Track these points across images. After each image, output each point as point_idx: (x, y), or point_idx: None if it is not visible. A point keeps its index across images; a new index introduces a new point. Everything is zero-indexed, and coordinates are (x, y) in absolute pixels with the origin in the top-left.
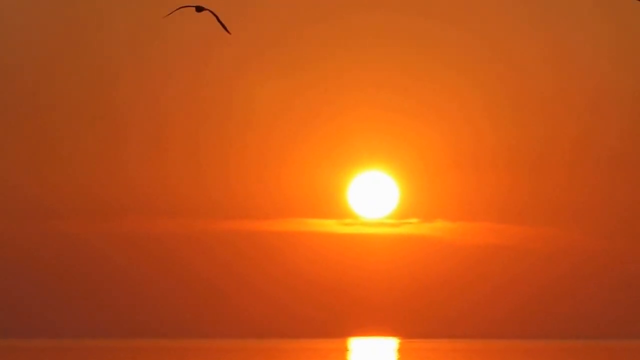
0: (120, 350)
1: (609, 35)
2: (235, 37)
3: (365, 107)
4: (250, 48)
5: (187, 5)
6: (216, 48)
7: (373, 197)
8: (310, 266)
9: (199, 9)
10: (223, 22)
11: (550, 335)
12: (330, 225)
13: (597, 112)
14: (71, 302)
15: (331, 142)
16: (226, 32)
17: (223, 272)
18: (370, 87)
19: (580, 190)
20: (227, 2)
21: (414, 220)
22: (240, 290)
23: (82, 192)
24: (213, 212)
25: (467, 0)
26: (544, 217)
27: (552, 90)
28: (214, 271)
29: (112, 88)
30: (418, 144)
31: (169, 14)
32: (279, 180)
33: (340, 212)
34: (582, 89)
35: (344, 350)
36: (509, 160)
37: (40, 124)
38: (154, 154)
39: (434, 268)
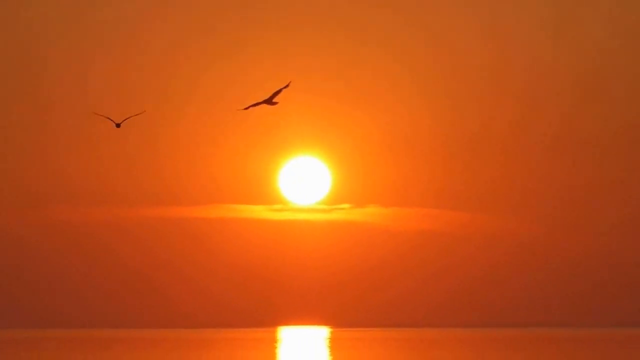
0: (48, 340)
1: (546, 21)
2: (165, 23)
3: (297, 92)
4: (182, 35)
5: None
6: (146, 33)
7: (304, 182)
8: (240, 253)
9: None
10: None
11: (484, 324)
12: (260, 212)
13: (533, 98)
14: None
15: (262, 127)
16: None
17: (151, 260)
18: (302, 72)
19: (515, 177)
20: None
21: (345, 205)
22: (168, 279)
23: (8, 182)
24: (141, 199)
25: None
26: (479, 203)
27: (487, 76)
28: (142, 259)
29: (39, 77)
30: (350, 129)
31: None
32: (208, 166)
33: (270, 198)
34: (518, 75)
35: (273, 340)
36: (444, 146)
37: None
38: (81, 142)
39: (367, 255)
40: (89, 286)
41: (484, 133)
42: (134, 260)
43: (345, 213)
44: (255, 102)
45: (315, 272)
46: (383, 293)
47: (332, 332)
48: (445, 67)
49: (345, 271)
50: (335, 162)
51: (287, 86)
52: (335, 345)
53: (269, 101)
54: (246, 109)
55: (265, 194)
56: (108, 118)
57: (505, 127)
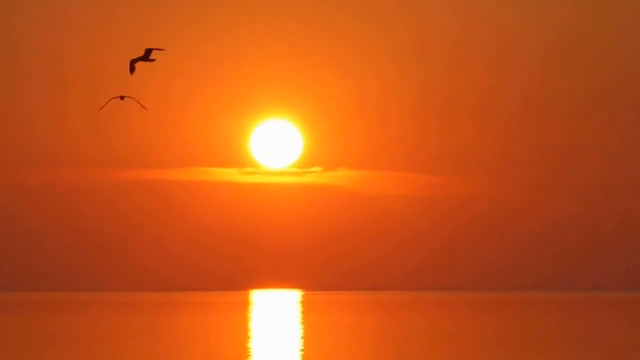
0: (16, 303)
1: None
2: None
3: (268, 56)
4: None
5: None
6: None
7: (275, 145)
8: (211, 216)
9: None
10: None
11: (457, 287)
12: (232, 175)
13: (504, 61)
14: None
15: (233, 90)
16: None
17: (122, 223)
18: (274, 37)
19: (488, 139)
20: None
21: (317, 169)
22: (139, 242)
23: None
24: (111, 162)
25: None
26: (451, 166)
27: (459, 38)
28: (113, 222)
29: (8, 39)
30: (322, 92)
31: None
32: (180, 129)
33: (241, 161)
34: (491, 36)
35: (246, 303)
36: (416, 108)
37: None
38: (51, 103)
39: (338, 218)
40: (59, 249)
41: (456, 96)
42: (104, 223)
43: (316, 176)
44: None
45: (287, 236)
46: (355, 256)
47: (304, 295)
48: (415, 31)
49: (317, 234)
50: (307, 125)
51: (162, 49)
52: (307, 308)
53: (146, 58)
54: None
55: (236, 157)
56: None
57: (476, 90)
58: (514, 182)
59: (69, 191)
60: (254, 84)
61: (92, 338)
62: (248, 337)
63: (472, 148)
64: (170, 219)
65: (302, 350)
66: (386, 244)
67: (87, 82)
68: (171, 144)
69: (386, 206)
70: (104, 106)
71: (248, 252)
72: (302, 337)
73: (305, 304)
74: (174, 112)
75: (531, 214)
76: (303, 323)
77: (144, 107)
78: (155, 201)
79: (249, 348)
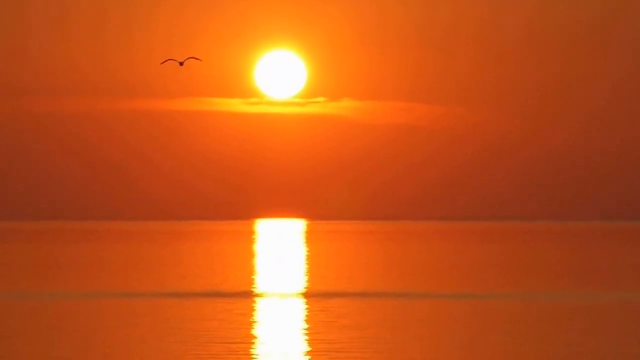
0: (20, 232)
1: None
2: None
3: None
4: None
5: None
6: None
7: (279, 76)
8: (216, 146)
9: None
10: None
11: (457, 217)
12: (236, 105)
13: None
14: None
15: (238, 21)
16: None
17: (127, 152)
18: None
19: (489, 69)
20: None
21: (320, 99)
22: (146, 171)
23: None
24: (116, 91)
25: None
26: (453, 95)
27: None
28: (119, 151)
29: None
30: (326, 23)
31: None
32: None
33: (246, 91)
34: None
35: (251, 232)
36: (417, 37)
37: None
38: (58, 31)
39: (342, 148)
40: (65, 178)
41: (457, 25)
42: (109, 153)
43: (320, 106)
44: (170, 58)
45: (291, 165)
46: (358, 186)
47: (308, 225)
48: None
49: (320, 164)
50: (311, 55)
51: (198, 59)
52: (311, 237)
53: (181, 63)
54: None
55: (241, 88)
56: (171, 60)
57: (478, 18)
58: (514, 112)
59: (75, 120)
60: (258, 15)
61: (98, 266)
62: (253, 266)
63: (473, 78)
64: (175, 149)
65: (306, 278)
66: (388, 173)
67: (91, 10)
68: (176, 74)
69: (389, 136)
70: (164, 62)
71: (252, 182)
72: (306, 265)
73: (309, 233)
74: (179, 42)
75: (532, 143)
76: (307, 251)
77: (198, 59)
78: (160, 131)
79: (253, 276)
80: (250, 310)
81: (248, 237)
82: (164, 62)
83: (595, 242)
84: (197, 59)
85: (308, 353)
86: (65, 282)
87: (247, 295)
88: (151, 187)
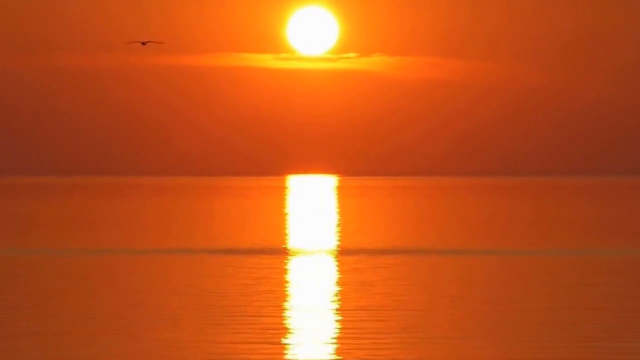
0: (56, 187)
1: None
2: None
3: None
4: None
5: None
6: None
7: (311, 32)
8: (247, 102)
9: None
10: None
11: (488, 172)
12: (267, 60)
13: None
14: (14, 140)
15: None
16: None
17: (159, 108)
18: None
19: (519, 24)
20: None
21: (352, 55)
22: (177, 126)
23: (12, 27)
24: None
25: None
26: (484, 50)
27: None
28: (150, 106)
29: None
30: None
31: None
32: (217, 14)
33: (277, 47)
34: None
35: (282, 188)
36: None
37: None
38: None
39: (372, 104)
40: (96, 133)
41: None
42: (142, 108)
43: (351, 62)
44: (138, 40)
45: (322, 121)
46: (389, 142)
47: (340, 181)
48: None
49: (351, 120)
50: (342, 11)
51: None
52: (343, 193)
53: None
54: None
55: (272, 43)
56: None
57: None
58: (545, 66)
59: (107, 75)
60: None
61: (129, 222)
62: (284, 222)
63: (504, 32)
64: (207, 104)
65: (338, 234)
66: (419, 129)
67: None
68: (209, 30)
69: (419, 91)
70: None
71: (283, 138)
72: (338, 221)
73: (341, 189)
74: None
75: (562, 98)
76: (338, 208)
77: (159, 42)
78: (192, 86)
79: (285, 231)
80: (281, 267)
81: (280, 194)
82: (129, 42)
83: (623, 196)
84: (158, 42)
85: (338, 310)
86: (95, 238)
87: (279, 252)
88: (183, 143)
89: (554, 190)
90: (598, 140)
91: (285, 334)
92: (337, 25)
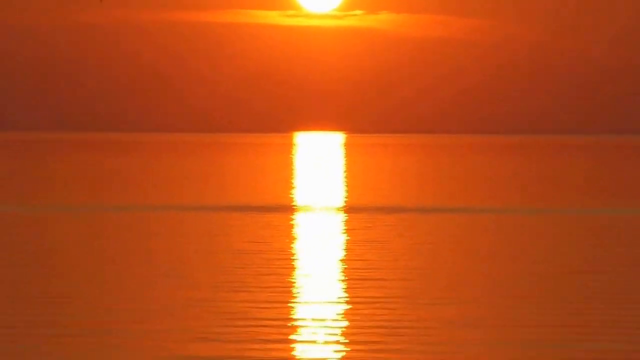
0: (65, 143)
1: None
2: None
3: None
4: None
5: None
6: None
7: None
8: (253, 58)
9: None
10: None
11: (489, 131)
12: (274, 17)
13: None
14: (24, 95)
15: None
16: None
17: (168, 62)
18: None
19: None
20: None
21: (358, 12)
22: (185, 81)
23: None
24: (159, 2)
25: None
26: (487, 8)
27: None
28: (160, 61)
29: None
30: None
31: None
32: None
33: (284, 3)
34: None
35: (290, 144)
36: None
37: None
38: None
39: (379, 61)
40: (110, 89)
41: None
42: (151, 62)
43: (357, 19)
44: None
45: (329, 78)
46: (394, 99)
47: (346, 138)
48: None
49: (358, 76)
50: None
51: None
52: (349, 150)
53: None
54: None
55: (280, 0)
56: None
57: None
58: (546, 26)
59: (118, 30)
60: None
61: (139, 179)
62: (291, 179)
63: None
64: (214, 60)
65: (345, 192)
66: (424, 86)
67: None
68: None
69: (425, 49)
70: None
71: (290, 94)
72: (344, 179)
73: (348, 146)
74: None
75: (564, 56)
76: (345, 165)
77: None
78: (198, 42)
79: (292, 189)
80: (288, 224)
81: (287, 150)
82: None
83: (624, 155)
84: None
85: (343, 268)
86: (105, 195)
87: (286, 209)
88: (191, 99)
89: (556, 149)
90: (598, 99)
91: (295, 293)
92: None
